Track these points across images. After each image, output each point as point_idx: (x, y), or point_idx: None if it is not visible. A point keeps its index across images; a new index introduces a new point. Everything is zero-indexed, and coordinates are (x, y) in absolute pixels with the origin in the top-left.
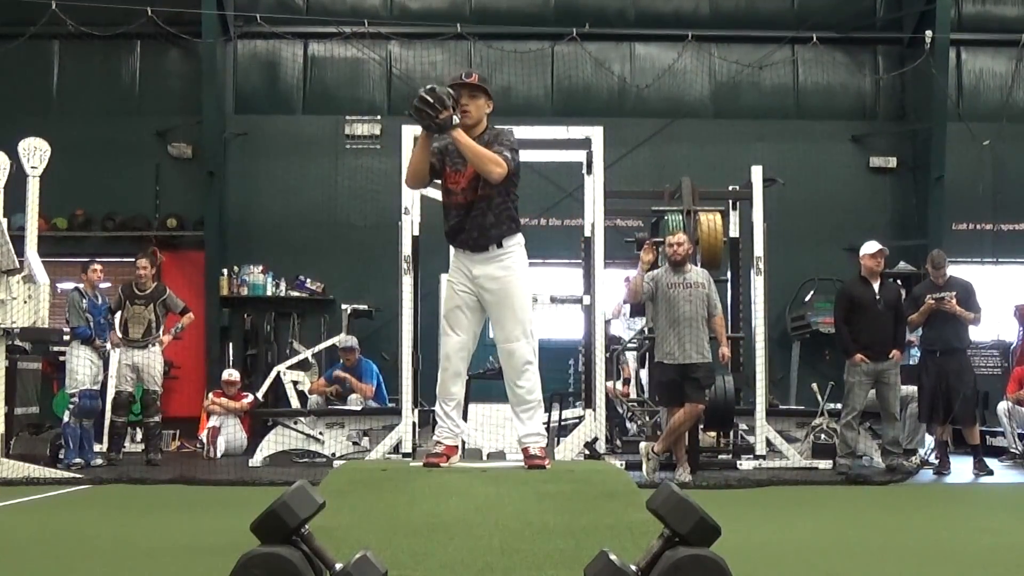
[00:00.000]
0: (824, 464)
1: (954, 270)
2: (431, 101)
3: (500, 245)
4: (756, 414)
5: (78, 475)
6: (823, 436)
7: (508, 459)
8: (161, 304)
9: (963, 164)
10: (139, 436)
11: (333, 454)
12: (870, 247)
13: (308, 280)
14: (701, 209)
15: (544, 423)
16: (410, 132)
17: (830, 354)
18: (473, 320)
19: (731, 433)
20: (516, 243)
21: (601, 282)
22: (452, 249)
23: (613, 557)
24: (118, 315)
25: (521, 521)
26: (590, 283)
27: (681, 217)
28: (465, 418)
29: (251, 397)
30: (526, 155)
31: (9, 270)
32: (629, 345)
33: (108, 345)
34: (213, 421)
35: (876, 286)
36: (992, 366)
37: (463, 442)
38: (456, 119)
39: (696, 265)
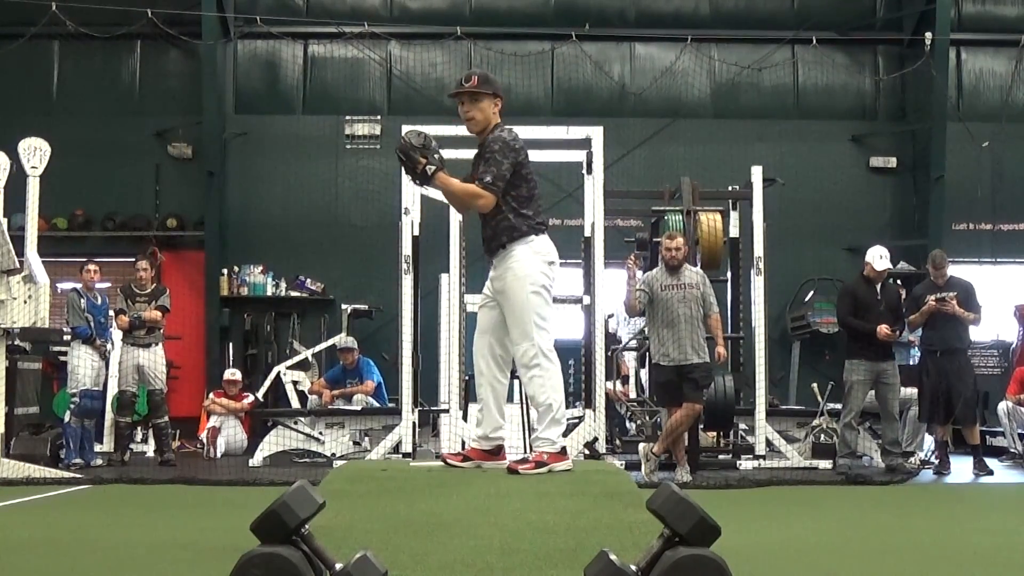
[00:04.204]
0: (824, 464)
1: (954, 270)
2: (403, 159)
3: (505, 247)
4: (756, 414)
5: (78, 475)
6: (823, 436)
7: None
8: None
9: (963, 164)
10: (139, 436)
11: (333, 454)
12: (880, 262)
13: (308, 280)
14: (701, 209)
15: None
16: None
17: (830, 354)
18: (492, 319)
19: (731, 433)
20: (521, 244)
21: (601, 282)
22: None
23: (613, 557)
24: (123, 317)
25: (521, 521)
26: (590, 283)
27: (681, 217)
28: (465, 419)
29: (252, 397)
30: None
31: (9, 270)
32: (629, 345)
33: (109, 345)
34: (213, 421)
35: (878, 288)
36: (992, 366)
37: (490, 450)
38: (432, 168)
39: (695, 265)
